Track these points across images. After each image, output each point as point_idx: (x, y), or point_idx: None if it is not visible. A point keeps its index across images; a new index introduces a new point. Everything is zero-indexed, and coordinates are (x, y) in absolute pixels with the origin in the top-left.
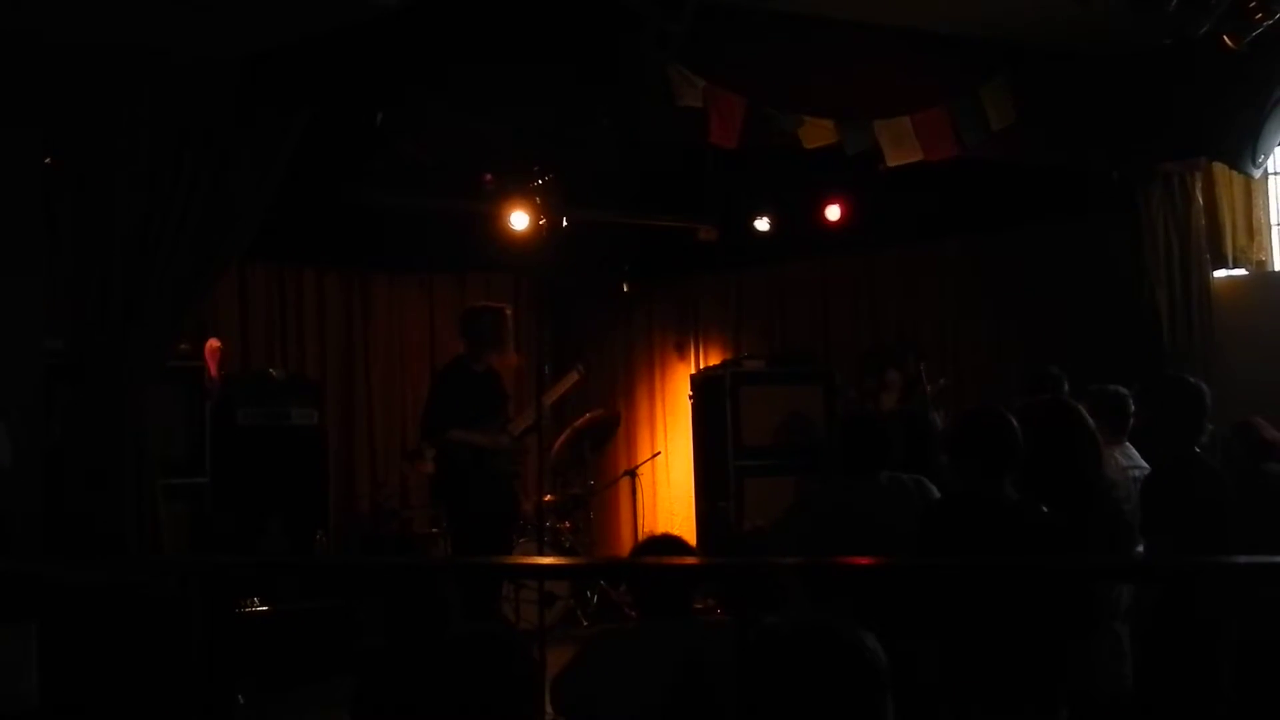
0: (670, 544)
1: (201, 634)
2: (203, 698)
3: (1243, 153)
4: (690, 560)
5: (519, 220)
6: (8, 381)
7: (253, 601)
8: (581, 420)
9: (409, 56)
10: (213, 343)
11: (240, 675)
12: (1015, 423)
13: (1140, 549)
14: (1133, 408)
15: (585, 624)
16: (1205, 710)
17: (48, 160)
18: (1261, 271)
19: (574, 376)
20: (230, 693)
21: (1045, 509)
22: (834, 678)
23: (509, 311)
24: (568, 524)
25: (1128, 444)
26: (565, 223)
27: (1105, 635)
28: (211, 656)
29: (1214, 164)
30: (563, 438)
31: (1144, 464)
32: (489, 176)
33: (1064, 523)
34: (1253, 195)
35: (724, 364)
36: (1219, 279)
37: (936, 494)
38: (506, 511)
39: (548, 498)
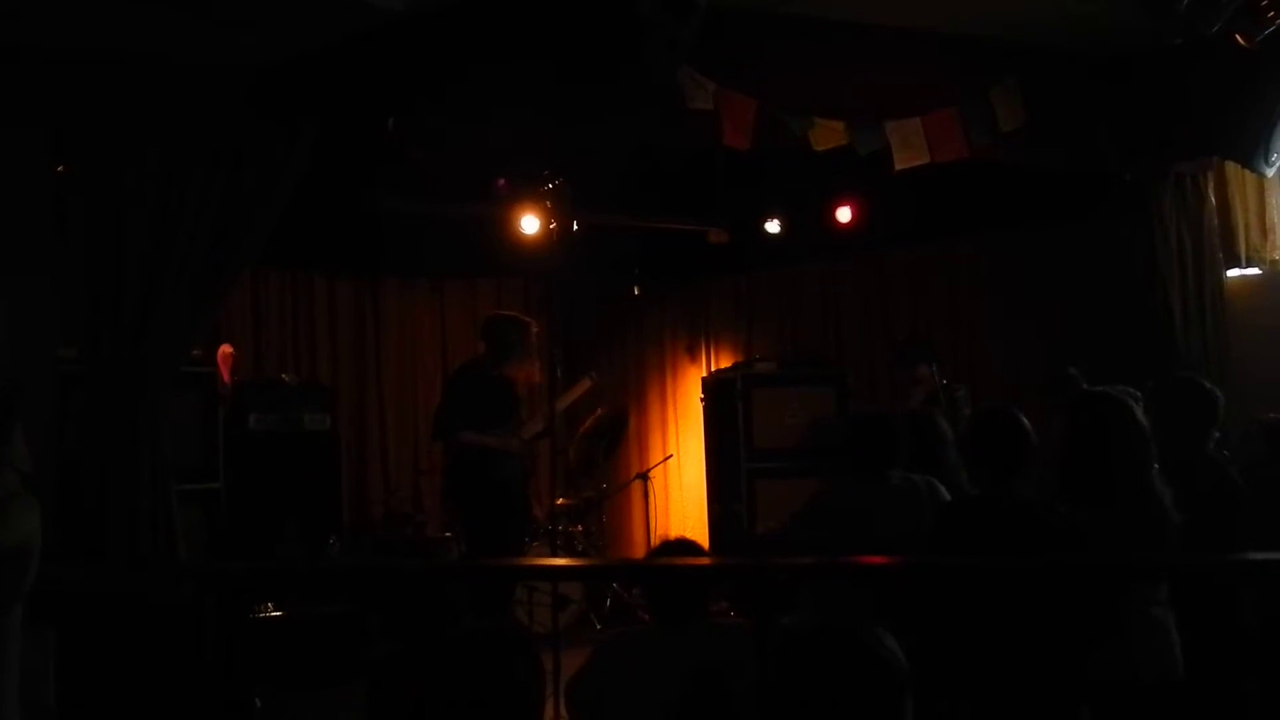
0: (684, 547)
1: (217, 639)
2: (219, 703)
3: (1255, 152)
4: (703, 561)
5: (529, 224)
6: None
7: (267, 607)
8: (587, 425)
9: (417, 63)
10: (225, 349)
11: (256, 680)
12: (1027, 423)
13: None
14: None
15: (599, 627)
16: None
17: (60, 168)
18: (1275, 270)
19: (586, 384)
20: (247, 697)
21: (1063, 510)
22: (853, 680)
23: (535, 328)
24: (580, 527)
25: None
26: (575, 227)
27: (1142, 621)
28: (227, 662)
29: (1226, 163)
30: (574, 446)
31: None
32: (502, 181)
33: (1081, 523)
34: (1266, 194)
35: (735, 366)
36: (1232, 278)
37: (946, 495)
38: (518, 515)
39: (560, 501)
